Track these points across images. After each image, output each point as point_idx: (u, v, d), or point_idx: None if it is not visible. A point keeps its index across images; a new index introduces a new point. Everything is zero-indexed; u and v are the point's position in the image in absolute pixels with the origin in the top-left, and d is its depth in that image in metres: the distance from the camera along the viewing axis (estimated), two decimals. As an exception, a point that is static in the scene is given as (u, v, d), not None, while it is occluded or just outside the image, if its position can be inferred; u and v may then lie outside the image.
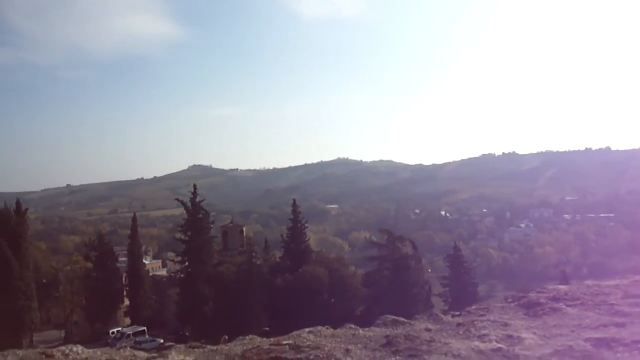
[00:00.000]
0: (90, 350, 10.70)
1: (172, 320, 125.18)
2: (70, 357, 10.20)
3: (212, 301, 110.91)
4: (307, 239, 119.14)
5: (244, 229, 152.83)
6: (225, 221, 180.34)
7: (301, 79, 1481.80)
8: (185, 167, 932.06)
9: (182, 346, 10.96)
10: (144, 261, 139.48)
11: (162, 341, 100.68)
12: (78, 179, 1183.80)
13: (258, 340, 10.64)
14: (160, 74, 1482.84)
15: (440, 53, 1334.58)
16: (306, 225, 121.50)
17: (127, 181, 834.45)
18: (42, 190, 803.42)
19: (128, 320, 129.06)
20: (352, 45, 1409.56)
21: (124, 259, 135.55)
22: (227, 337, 11.99)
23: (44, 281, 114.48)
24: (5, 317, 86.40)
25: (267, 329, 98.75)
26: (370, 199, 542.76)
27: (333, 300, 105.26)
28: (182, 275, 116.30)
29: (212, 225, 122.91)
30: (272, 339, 10.39)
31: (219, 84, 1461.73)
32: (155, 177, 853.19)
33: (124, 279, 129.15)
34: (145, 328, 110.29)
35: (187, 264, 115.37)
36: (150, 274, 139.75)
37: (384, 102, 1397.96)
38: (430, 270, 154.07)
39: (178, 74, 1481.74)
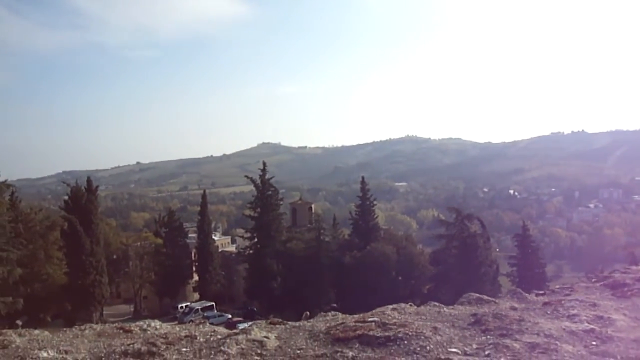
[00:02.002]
0: (168, 325, 11.15)
1: (240, 296, 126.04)
2: (149, 332, 10.53)
3: (280, 277, 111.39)
4: (375, 217, 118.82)
5: (312, 206, 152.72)
6: (294, 198, 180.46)
7: (369, 56, 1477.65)
8: (254, 145, 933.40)
9: (263, 321, 10.81)
10: (213, 237, 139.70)
11: (229, 316, 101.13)
12: (147, 157, 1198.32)
13: (340, 316, 10.54)
14: (228, 53, 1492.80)
15: (513, 30, 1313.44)
16: (374, 202, 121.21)
17: (196, 158, 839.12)
18: (112, 168, 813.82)
19: (196, 295, 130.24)
20: (421, 19, 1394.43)
21: (193, 235, 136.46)
22: (308, 313, 11.87)
23: (114, 257, 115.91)
24: (77, 291, 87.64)
25: (335, 305, 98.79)
26: (439, 176, 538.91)
27: (400, 278, 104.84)
28: (251, 251, 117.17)
29: (281, 202, 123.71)
30: (355, 316, 10.21)
31: (287, 61, 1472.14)
32: (224, 155, 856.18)
33: (193, 255, 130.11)
34: (214, 303, 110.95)
35: (255, 240, 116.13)
36: (219, 250, 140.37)
37: (452, 79, 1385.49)
38: (497, 250, 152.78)
39: (245, 52, 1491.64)
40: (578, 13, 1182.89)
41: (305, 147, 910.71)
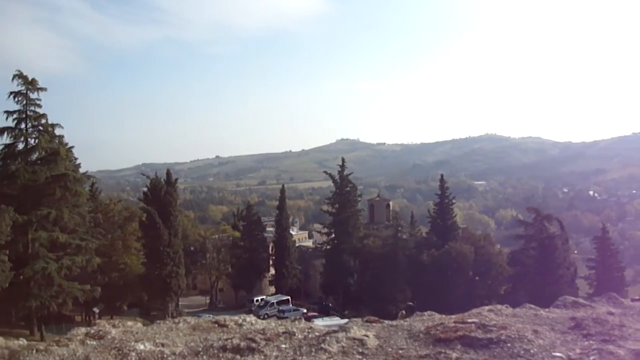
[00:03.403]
0: (264, 321, 11.05)
1: (315, 291, 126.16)
2: (245, 327, 10.53)
3: (356, 274, 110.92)
4: (453, 215, 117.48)
5: (390, 203, 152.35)
6: (372, 195, 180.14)
7: (448, 53, 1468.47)
8: (333, 140, 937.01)
9: (359, 319, 10.55)
10: (291, 232, 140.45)
11: (305, 311, 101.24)
12: (226, 151, 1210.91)
13: (437, 316, 10.28)
14: (307, 49, 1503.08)
15: (596, 27, 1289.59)
16: (453, 201, 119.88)
17: (275, 153, 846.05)
18: (191, 161, 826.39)
19: (272, 289, 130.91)
20: (501, 16, 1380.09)
21: (271, 229, 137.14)
22: (404, 312, 11.92)
23: (192, 248, 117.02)
24: (153, 282, 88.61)
25: (411, 303, 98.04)
26: (518, 175, 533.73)
27: (477, 278, 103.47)
28: (328, 247, 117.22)
29: (359, 199, 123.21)
30: (453, 316, 9.95)
31: (366, 57, 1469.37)
32: (302, 150, 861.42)
33: (270, 249, 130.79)
34: (289, 297, 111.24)
35: (333, 235, 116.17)
36: (296, 245, 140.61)
37: (533, 76, 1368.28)
38: (576, 252, 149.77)
39: (325, 48, 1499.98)
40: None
41: (384, 143, 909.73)
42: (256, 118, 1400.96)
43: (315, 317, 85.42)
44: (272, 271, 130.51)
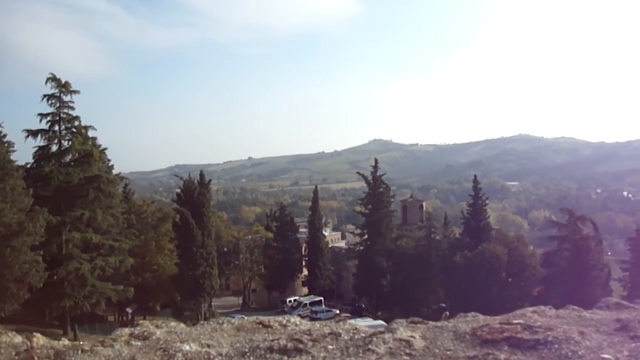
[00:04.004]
0: (308, 323, 11.07)
1: (348, 292, 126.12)
2: (289, 328, 10.55)
3: (389, 275, 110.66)
4: (486, 216, 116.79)
5: (423, 204, 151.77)
6: (405, 195, 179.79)
7: (481, 54, 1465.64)
8: (366, 141, 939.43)
9: (404, 320, 10.35)
10: (323, 232, 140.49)
11: (337, 312, 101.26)
12: (259, 152, 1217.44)
13: (481, 317, 10.21)
14: (341, 50, 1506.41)
15: (628, 27, 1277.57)
16: (486, 201, 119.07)
17: (308, 154, 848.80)
18: (224, 162, 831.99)
19: (305, 290, 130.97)
20: (534, 15, 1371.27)
21: (304, 229, 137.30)
22: (447, 313, 11.93)
23: (225, 249, 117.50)
24: (186, 282, 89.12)
25: (444, 304, 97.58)
26: (551, 176, 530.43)
27: (510, 279, 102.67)
28: (361, 248, 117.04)
29: (392, 199, 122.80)
30: (497, 317, 9.86)
31: (398, 58, 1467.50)
32: (335, 151, 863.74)
33: (303, 250, 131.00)
34: (322, 298, 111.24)
35: (366, 236, 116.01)
36: (329, 246, 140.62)
37: (566, 77, 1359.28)
38: (609, 253, 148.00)
39: (358, 50, 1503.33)
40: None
41: (417, 144, 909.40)
42: (288, 119, 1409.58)
43: (348, 318, 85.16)
44: (305, 272, 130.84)
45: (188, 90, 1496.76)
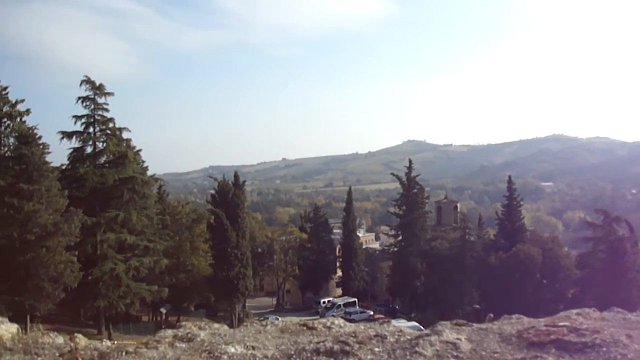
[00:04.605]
0: (352, 325, 10.92)
1: (382, 293, 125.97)
2: (333, 330, 10.44)
3: (423, 276, 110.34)
4: (521, 217, 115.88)
5: (458, 205, 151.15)
6: (439, 196, 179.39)
7: (515, 53, 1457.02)
8: (399, 142, 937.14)
9: (448, 322, 10.17)
10: (358, 233, 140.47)
11: (371, 313, 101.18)
12: (293, 153, 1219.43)
13: (526, 319, 9.98)
14: (373, 50, 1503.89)
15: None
16: (521, 202, 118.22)
17: (342, 155, 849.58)
18: (257, 164, 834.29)
19: (339, 291, 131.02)
20: (567, 14, 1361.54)
21: (338, 230, 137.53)
22: (491, 315, 11.47)
23: (259, 250, 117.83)
24: (221, 283, 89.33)
25: (478, 306, 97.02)
26: (585, 176, 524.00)
27: (544, 281, 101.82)
28: (395, 249, 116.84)
29: (426, 200, 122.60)
30: (542, 319, 9.57)
31: (430, 58, 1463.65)
32: (369, 152, 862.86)
33: (337, 251, 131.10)
34: (356, 299, 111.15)
35: (400, 238, 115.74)
36: (363, 247, 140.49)
37: (600, 76, 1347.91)
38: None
39: (391, 49, 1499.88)
40: None
41: (451, 144, 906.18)
42: (322, 120, 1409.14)
43: (382, 319, 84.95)
44: (339, 273, 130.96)
45: (222, 92, 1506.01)
